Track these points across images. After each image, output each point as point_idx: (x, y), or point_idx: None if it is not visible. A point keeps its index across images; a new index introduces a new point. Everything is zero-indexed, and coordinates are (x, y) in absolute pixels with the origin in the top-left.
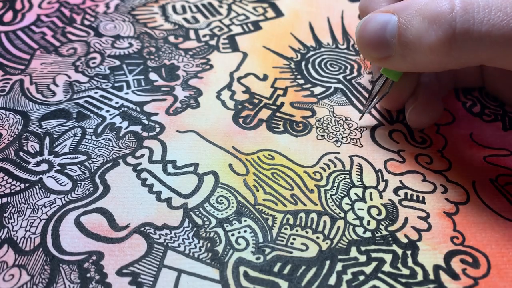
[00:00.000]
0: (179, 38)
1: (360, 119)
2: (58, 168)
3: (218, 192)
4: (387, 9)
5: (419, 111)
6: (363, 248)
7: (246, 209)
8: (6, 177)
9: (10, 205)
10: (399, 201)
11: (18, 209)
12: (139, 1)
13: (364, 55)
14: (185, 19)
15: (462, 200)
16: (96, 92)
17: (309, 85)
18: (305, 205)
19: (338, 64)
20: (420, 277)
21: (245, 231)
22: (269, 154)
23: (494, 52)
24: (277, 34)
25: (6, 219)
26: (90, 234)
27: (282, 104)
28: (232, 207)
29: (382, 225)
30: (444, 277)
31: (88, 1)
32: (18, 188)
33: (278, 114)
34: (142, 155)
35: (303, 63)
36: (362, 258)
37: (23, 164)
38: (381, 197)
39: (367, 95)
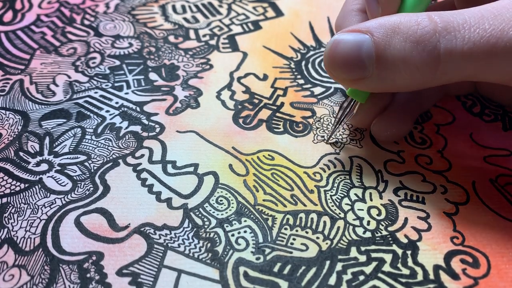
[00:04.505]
0: (179, 38)
1: (327, 141)
2: (58, 168)
3: (218, 193)
4: (359, 28)
5: (381, 125)
6: (363, 248)
7: (246, 210)
8: (6, 177)
9: (10, 205)
10: (399, 201)
11: (18, 209)
12: (139, 1)
13: (334, 77)
14: (185, 18)
15: (462, 201)
16: (96, 92)
17: (309, 85)
18: (305, 205)
19: None
20: (420, 277)
21: (245, 231)
22: (269, 155)
23: (476, 68)
24: (277, 34)
25: (6, 219)
26: (90, 234)
27: (282, 104)
28: (232, 207)
29: (382, 225)
30: (444, 277)
31: (88, 1)
32: (18, 188)
33: (278, 114)
34: (142, 155)
35: (303, 63)
36: (362, 258)
37: (23, 164)
38: (381, 197)
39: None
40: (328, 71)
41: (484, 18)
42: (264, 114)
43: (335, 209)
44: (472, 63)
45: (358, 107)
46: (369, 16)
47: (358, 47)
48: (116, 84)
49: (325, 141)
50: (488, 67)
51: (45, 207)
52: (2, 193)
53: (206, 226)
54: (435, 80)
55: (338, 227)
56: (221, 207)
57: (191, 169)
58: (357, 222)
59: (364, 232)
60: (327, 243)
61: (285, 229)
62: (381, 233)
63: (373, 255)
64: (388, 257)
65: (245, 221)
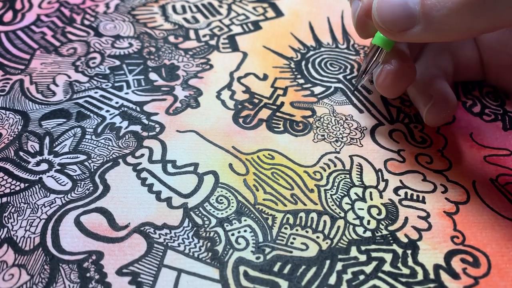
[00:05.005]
0: (179, 38)
1: (353, 92)
2: (58, 167)
3: (218, 192)
4: None
5: (435, 110)
6: (363, 248)
7: (246, 209)
8: (6, 177)
9: (10, 204)
10: (399, 200)
11: (18, 209)
12: (139, 1)
13: (383, 31)
14: (185, 19)
15: (462, 200)
16: (96, 92)
17: (309, 85)
18: (305, 204)
19: (338, 64)
20: (420, 276)
21: (245, 231)
22: (269, 154)
23: None
24: (277, 34)
25: (6, 218)
26: (90, 234)
27: (282, 103)
28: (232, 206)
29: (382, 225)
30: (444, 276)
31: (88, 1)
32: (18, 188)
33: (278, 113)
34: (142, 155)
35: (303, 62)
36: (362, 258)
37: (23, 163)
38: (381, 196)
39: (366, 95)
40: (375, 22)
41: None
42: (264, 113)
43: (335, 209)
44: None
45: (384, 56)
46: None
47: None
48: (116, 84)
49: (352, 92)
50: None
51: (45, 207)
52: (2, 193)
53: (206, 226)
54: (482, 24)
55: (338, 227)
56: (221, 207)
57: (191, 168)
58: (357, 222)
59: (364, 232)
60: (327, 243)
61: (285, 228)
62: (381, 232)
63: (373, 254)
64: (388, 257)
65: (245, 220)
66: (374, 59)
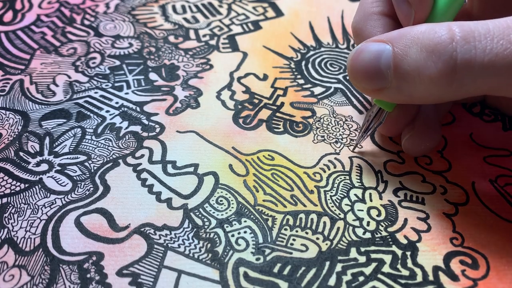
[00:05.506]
0: (179, 38)
1: (353, 149)
2: (58, 168)
3: (218, 193)
4: (381, 38)
5: (415, 141)
6: (362, 249)
7: (246, 210)
8: (6, 177)
9: (10, 205)
10: (398, 202)
11: (18, 209)
12: (139, 1)
13: (356, 86)
14: (185, 19)
15: (461, 201)
16: (96, 92)
17: (309, 85)
18: (305, 206)
19: (338, 64)
20: (419, 278)
21: (245, 232)
22: (269, 155)
23: (497, 82)
24: (277, 34)
25: (6, 219)
26: (90, 235)
27: (282, 104)
28: (232, 207)
29: (382, 226)
30: (443, 278)
31: (88, 1)
32: (18, 188)
33: (278, 114)
34: (142, 156)
35: (303, 63)
36: (362, 259)
37: (23, 164)
38: (380, 198)
39: (369, 98)
40: (350, 79)
41: (510, 28)
42: (264, 114)
43: (335, 210)
44: (493, 76)
45: (386, 116)
46: (400, 19)
47: (378, 57)
48: (116, 84)
49: (351, 149)
50: (511, 81)
51: (45, 207)
52: (2, 193)
53: (206, 227)
54: (451, 93)
55: (338, 228)
56: (221, 208)
57: (191, 169)
58: (357, 223)
59: (364, 233)
60: (327, 244)
61: (285, 229)
62: (380, 233)
63: (373, 256)
64: (387, 258)
65: (245, 221)
66: (376, 119)
